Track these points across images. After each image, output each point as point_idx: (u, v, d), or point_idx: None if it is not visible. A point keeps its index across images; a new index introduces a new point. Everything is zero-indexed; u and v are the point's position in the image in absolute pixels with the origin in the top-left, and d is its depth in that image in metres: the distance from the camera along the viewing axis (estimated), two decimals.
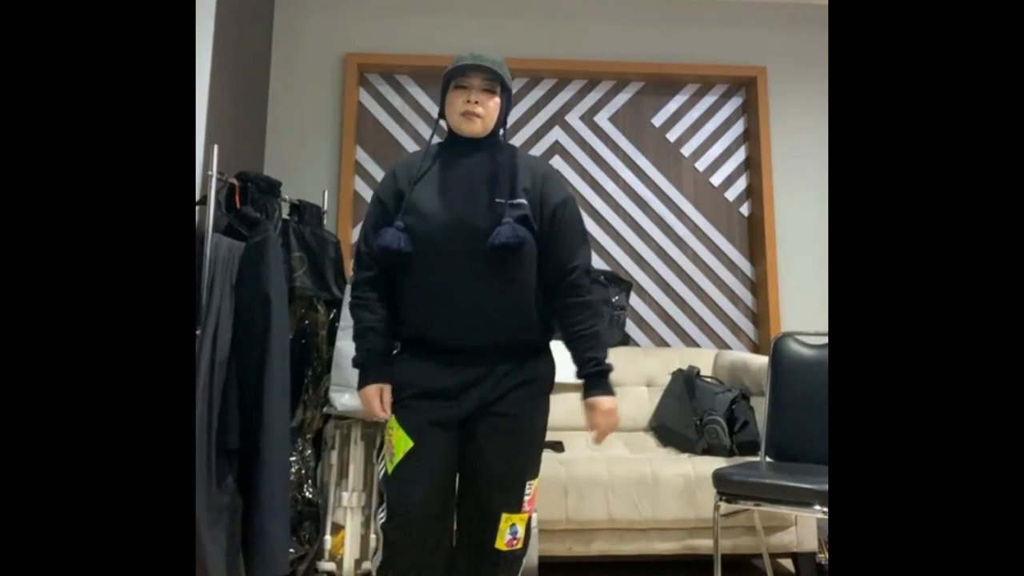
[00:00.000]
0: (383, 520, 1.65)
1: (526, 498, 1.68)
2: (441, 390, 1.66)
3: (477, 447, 1.66)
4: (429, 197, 1.69)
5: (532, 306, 1.69)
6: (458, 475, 1.70)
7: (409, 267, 1.67)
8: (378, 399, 1.69)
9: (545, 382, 1.74)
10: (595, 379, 1.69)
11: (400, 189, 1.74)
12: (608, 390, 1.69)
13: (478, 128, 1.72)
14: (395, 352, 1.75)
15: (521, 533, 1.67)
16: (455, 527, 1.70)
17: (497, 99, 1.74)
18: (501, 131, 1.78)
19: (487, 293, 1.64)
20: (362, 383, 1.71)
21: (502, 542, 1.65)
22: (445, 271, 1.64)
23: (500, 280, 1.64)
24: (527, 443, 1.69)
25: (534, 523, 2.51)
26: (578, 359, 1.71)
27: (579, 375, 1.71)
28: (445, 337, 1.66)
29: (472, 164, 1.73)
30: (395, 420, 1.67)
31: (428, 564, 1.62)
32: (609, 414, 1.69)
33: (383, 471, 1.68)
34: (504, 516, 1.65)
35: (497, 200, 1.67)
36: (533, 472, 1.71)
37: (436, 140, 1.84)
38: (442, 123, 3.11)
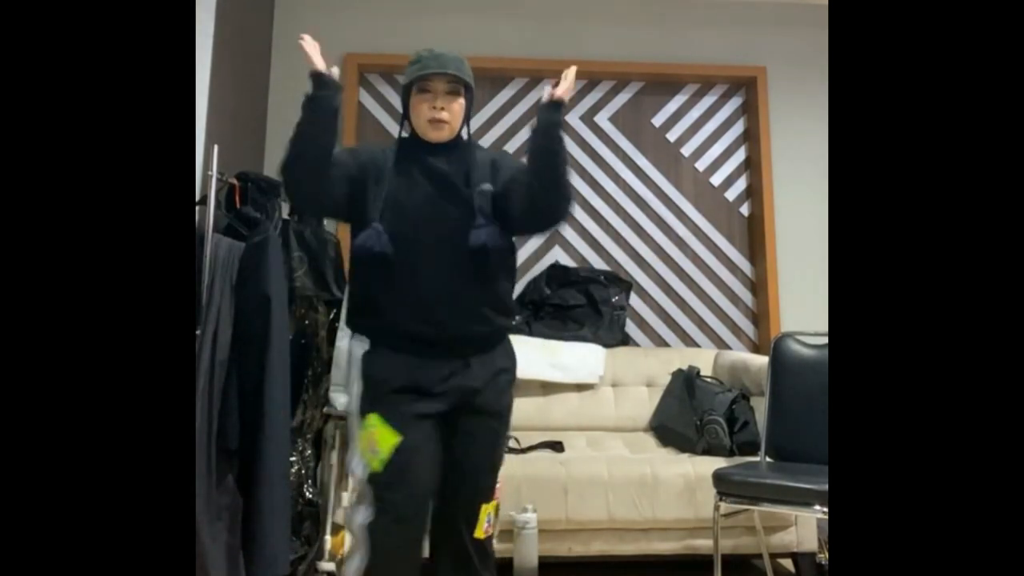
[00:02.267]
0: (368, 520, 1.60)
1: (497, 486, 1.75)
2: (422, 384, 1.66)
3: (463, 441, 1.70)
4: (402, 195, 1.69)
5: (502, 292, 1.74)
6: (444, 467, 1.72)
7: (386, 264, 1.68)
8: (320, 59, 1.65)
9: (512, 372, 1.79)
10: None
11: (362, 174, 1.71)
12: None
13: (445, 134, 1.73)
14: (367, 350, 1.72)
15: (493, 518, 1.74)
16: (434, 517, 1.72)
17: (462, 100, 1.74)
18: (465, 128, 1.79)
19: (463, 284, 1.68)
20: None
21: (481, 531, 1.70)
22: (422, 266, 1.66)
23: (475, 271, 1.68)
24: (499, 435, 1.75)
25: (533, 522, 2.51)
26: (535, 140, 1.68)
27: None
28: (424, 329, 1.67)
29: (440, 164, 1.73)
30: (376, 417, 1.65)
31: (415, 562, 1.62)
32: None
33: (364, 469, 1.64)
34: (483, 507, 1.71)
35: (483, 186, 1.70)
36: (501, 461, 1.78)
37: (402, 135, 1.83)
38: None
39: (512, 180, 1.72)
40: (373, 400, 1.67)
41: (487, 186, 1.72)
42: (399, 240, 1.66)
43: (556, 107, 1.65)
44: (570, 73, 1.67)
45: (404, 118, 1.79)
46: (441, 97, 1.71)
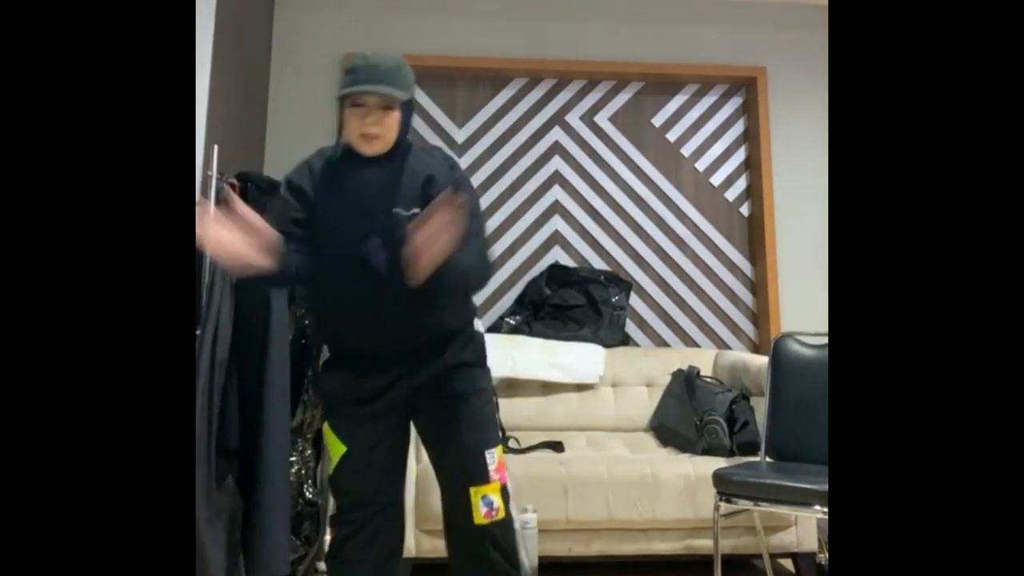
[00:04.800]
0: (332, 515, 1.77)
1: (491, 467, 1.70)
2: (367, 395, 1.71)
3: (426, 432, 1.75)
4: (330, 213, 1.68)
5: (439, 302, 1.70)
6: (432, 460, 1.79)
7: (317, 283, 1.71)
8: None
9: (474, 364, 1.76)
10: None
11: (305, 189, 1.72)
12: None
13: (377, 148, 1.68)
14: (323, 364, 1.81)
15: (498, 502, 1.69)
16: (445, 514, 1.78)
17: (396, 113, 1.66)
18: (403, 137, 1.73)
19: (393, 302, 1.65)
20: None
21: (479, 516, 1.67)
22: (350, 285, 1.66)
23: (404, 288, 1.61)
24: (473, 416, 1.71)
25: (533, 522, 2.51)
26: None
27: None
28: (359, 348, 1.72)
29: (369, 176, 1.69)
30: (327, 427, 1.75)
31: (373, 554, 1.71)
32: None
33: (324, 469, 1.80)
34: (472, 491, 1.67)
35: (394, 211, 1.66)
36: (492, 441, 1.73)
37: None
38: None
39: None
40: (326, 411, 1.77)
41: (413, 211, 1.66)
42: (324, 257, 1.68)
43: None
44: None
45: (340, 129, 1.75)
46: (374, 112, 1.64)
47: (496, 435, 1.76)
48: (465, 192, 1.58)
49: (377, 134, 1.65)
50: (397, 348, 1.70)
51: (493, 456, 1.71)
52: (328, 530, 1.76)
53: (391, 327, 1.68)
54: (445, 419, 1.71)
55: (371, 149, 1.68)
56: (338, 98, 1.66)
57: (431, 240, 1.46)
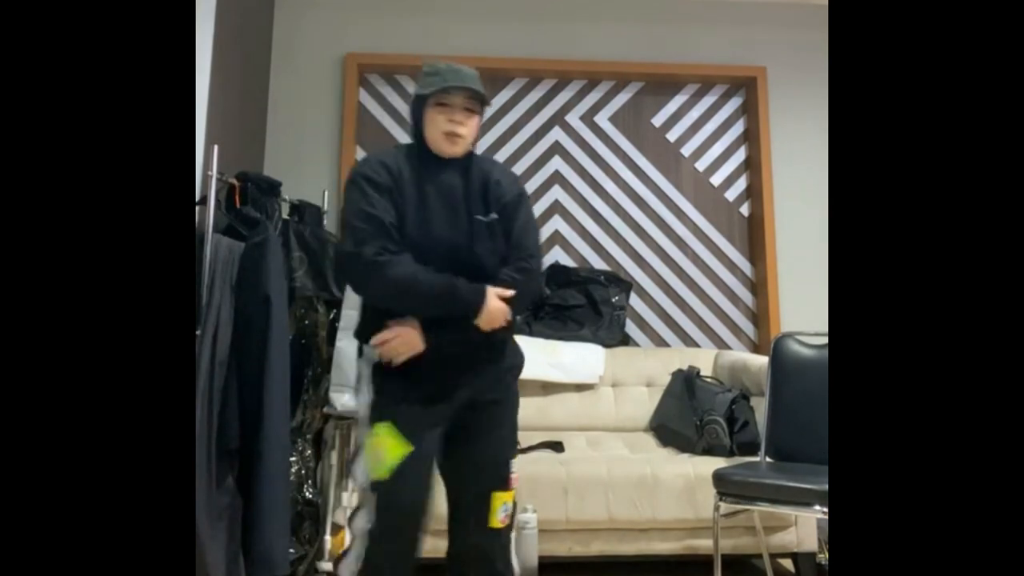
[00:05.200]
0: (370, 525, 1.62)
1: (512, 476, 1.76)
2: (432, 395, 1.69)
3: (468, 436, 1.73)
4: (413, 217, 1.68)
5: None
6: (444, 464, 1.76)
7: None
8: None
9: (518, 368, 1.83)
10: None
11: (392, 189, 1.71)
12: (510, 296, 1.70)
13: (459, 150, 1.72)
14: (378, 361, 1.72)
15: (511, 509, 1.75)
16: (451, 513, 1.76)
17: (477, 118, 1.74)
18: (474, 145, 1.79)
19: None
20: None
21: (496, 521, 1.71)
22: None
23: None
24: (510, 426, 1.78)
25: (533, 522, 2.51)
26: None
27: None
28: (436, 351, 1.69)
29: (450, 181, 1.73)
30: (386, 426, 1.66)
31: (411, 560, 1.66)
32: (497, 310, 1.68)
33: (366, 476, 1.65)
34: (495, 495, 1.71)
35: (476, 217, 1.71)
36: (515, 451, 1.79)
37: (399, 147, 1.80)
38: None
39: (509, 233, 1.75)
40: (384, 408, 1.68)
41: (492, 216, 1.73)
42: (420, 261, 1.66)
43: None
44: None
45: (416, 129, 1.76)
46: (460, 112, 1.70)
47: (516, 445, 1.81)
48: (526, 205, 1.78)
49: (463, 134, 1.70)
50: (467, 351, 1.72)
51: (513, 465, 1.77)
52: (361, 538, 1.65)
53: (468, 330, 1.69)
54: (483, 423, 1.73)
55: (455, 150, 1.71)
56: (419, 96, 1.70)
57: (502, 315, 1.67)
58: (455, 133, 1.69)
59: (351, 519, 1.70)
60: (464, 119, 1.70)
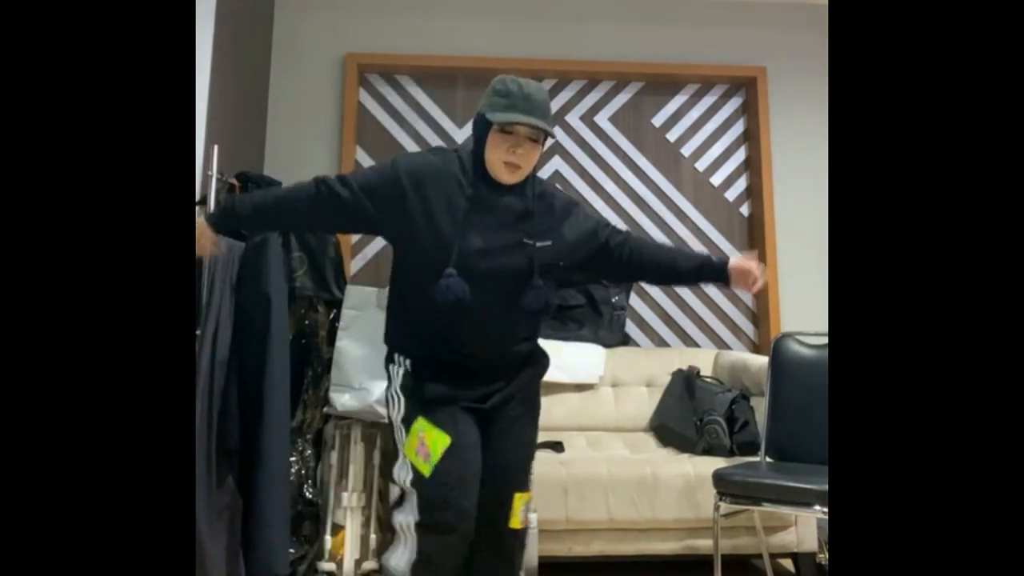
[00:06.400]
0: (419, 520, 1.62)
1: (531, 478, 1.82)
2: (469, 396, 1.72)
3: (499, 436, 1.75)
4: (470, 238, 1.67)
5: (540, 324, 1.84)
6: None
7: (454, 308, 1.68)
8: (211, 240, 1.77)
9: (544, 369, 1.88)
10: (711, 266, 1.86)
11: (418, 194, 1.70)
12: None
13: (517, 178, 1.71)
14: (409, 371, 1.74)
15: (527, 511, 1.80)
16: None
17: (540, 147, 1.71)
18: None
19: (514, 330, 1.74)
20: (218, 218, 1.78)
21: (517, 521, 1.74)
22: (481, 305, 1.67)
23: (526, 322, 1.76)
24: (533, 429, 1.83)
25: (534, 523, 2.51)
26: (688, 265, 1.85)
27: (702, 271, 1.85)
28: (472, 365, 1.72)
29: (505, 205, 1.72)
30: (426, 421, 1.66)
31: (464, 550, 1.64)
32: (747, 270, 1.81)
33: (410, 472, 1.66)
34: (517, 496, 1.74)
35: (526, 241, 1.71)
36: (535, 451, 1.87)
37: (446, 153, 1.80)
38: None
39: (604, 247, 1.84)
40: (423, 409, 1.68)
41: (548, 243, 1.74)
42: (464, 278, 1.65)
43: (723, 278, 1.81)
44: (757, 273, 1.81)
45: (477, 149, 1.72)
46: (524, 143, 1.67)
47: (536, 444, 1.88)
48: (584, 215, 1.88)
49: (523, 166, 1.68)
50: (503, 360, 1.76)
51: (531, 466, 1.83)
52: (412, 535, 1.66)
53: (509, 340, 1.73)
54: (511, 428, 1.76)
55: (513, 179, 1.70)
56: (486, 119, 1.66)
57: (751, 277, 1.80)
58: (515, 164, 1.67)
59: (391, 515, 1.72)
60: (528, 150, 1.68)
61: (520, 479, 1.76)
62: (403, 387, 1.73)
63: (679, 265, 1.84)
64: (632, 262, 1.83)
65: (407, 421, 1.70)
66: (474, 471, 1.66)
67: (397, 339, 1.79)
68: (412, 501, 1.65)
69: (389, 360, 1.81)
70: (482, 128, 1.69)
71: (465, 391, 1.71)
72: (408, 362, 1.75)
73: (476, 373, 1.73)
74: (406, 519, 1.66)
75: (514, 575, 1.77)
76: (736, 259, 1.81)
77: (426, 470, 1.63)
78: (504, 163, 1.66)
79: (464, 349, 1.72)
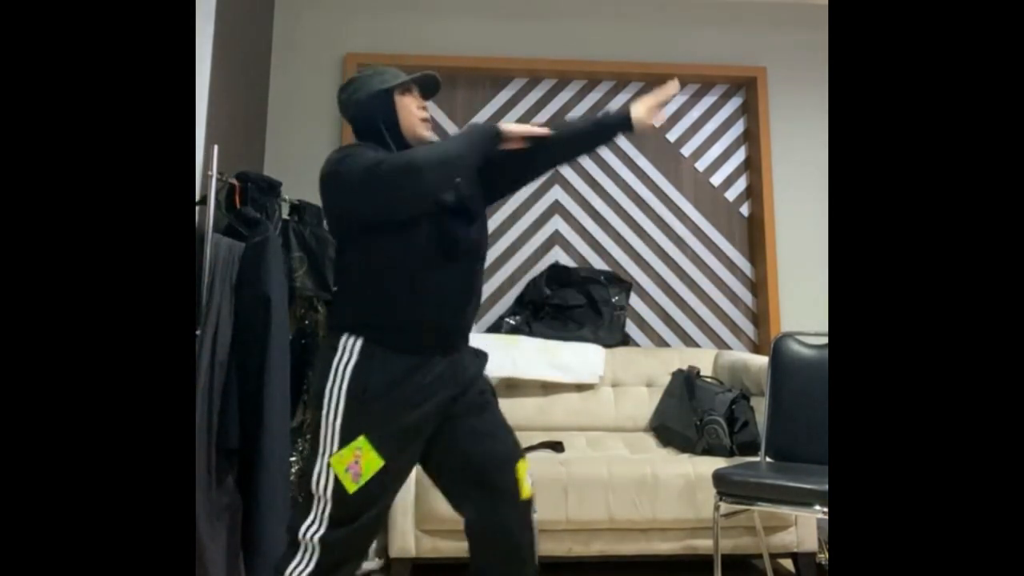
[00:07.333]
0: (321, 532, 1.56)
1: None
2: (420, 385, 1.62)
3: (475, 416, 1.72)
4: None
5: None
6: (452, 460, 1.70)
7: (427, 260, 1.67)
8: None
9: (484, 356, 1.86)
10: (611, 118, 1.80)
11: None
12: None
13: (431, 132, 1.85)
14: (358, 360, 1.62)
15: (530, 476, 1.78)
16: (475, 501, 1.70)
17: None
18: None
19: (474, 275, 1.76)
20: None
21: (527, 490, 1.73)
22: (447, 267, 1.70)
23: (478, 261, 1.78)
24: (496, 406, 1.81)
25: (534, 524, 2.50)
26: (588, 125, 1.80)
27: (600, 125, 1.80)
28: (444, 321, 1.69)
29: None
30: (364, 439, 1.57)
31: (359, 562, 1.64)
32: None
33: (332, 484, 1.56)
34: (519, 466, 1.73)
35: (466, 192, 1.79)
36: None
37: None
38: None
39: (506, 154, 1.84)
40: (361, 416, 1.59)
41: (473, 191, 1.82)
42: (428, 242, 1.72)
43: (628, 127, 1.77)
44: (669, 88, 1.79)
45: (389, 122, 1.78)
46: (419, 98, 1.85)
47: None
48: None
49: (429, 116, 1.83)
50: (467, 322, 1.75)
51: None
52: (313, 547, 1.56)
53: (466, 307, 1.74)
54: (482, 403, 1.74)
55: (430, 132, 1.83)
56: (381, 90, 1.78)
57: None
58: (425, 118, 1.81)
59: (293, 522, 1.59)
60: (423, 103, 1.85)
61: (515, 450, 1.74)
62: (348, 386, 1.59)
63: (577, 127, 1.80)
64: (533, 147, 1.81)
65: (347, 432, 1.58)
66: (391, 498, 1.63)
67: (367, 316, 1.64)
68: (323, 511, 1.57)
69: (332, 349, 1.64)
70: (383, 102, 1.78)
71: (419, 371, 1.62)
72: (359, 344, 1.62)
73: (440, 341, 1.67)
74: (312, 530, 1.56)
75: (535, 542, 1.78)
76: (638, 103, 1.79)
77: (351, 488, 1.56)
78: (420, 120, 1.81)
79: (440, 307, 1.66)
